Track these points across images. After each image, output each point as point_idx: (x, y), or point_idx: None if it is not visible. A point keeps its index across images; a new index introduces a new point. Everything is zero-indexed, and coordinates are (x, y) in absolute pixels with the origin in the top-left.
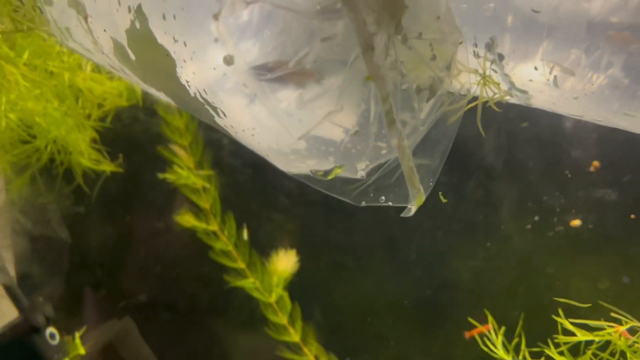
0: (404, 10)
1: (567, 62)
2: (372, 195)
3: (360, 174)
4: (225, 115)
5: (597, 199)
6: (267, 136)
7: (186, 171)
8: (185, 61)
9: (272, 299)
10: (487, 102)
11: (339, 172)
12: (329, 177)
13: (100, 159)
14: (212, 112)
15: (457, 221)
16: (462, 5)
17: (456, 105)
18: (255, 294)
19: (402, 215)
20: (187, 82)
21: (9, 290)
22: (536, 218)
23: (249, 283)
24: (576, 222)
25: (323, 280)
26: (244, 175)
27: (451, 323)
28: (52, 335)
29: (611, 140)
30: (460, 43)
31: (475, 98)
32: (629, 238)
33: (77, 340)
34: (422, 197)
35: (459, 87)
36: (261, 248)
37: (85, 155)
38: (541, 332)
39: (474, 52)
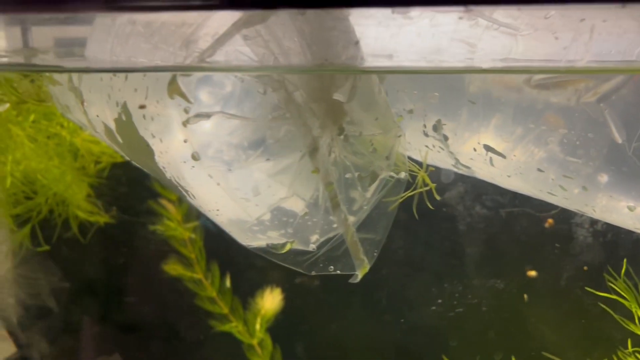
0: (343, 116)
1: (513, 137)
2: (321, 265)
3: (312, 247)
4: (194, 197)
5: (551, 252)
6: (229, 216)
7: (174, 223)
8: (162, 152)
9: (255, 341)
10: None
11: (290, 247)
12: (283, 251)
13: (94, 210)
14: (184, 193)
15: (423, 271)
16: (414, 92)
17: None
18: (239, 337)
19: (350, 281)
20: (164, 167)
21: (11, 333)
22: (495, 268)
23: (232, 327)
24: (532, 273)
25: (303, 322)
26: None
27: None
28: None
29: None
30: (400, 136)
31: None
32: (579, 286)
33: None
34: (366, 266)
35: (402, 173)
36: (246, 292)
37: (82, 207)
38: None
39: (424, 132)
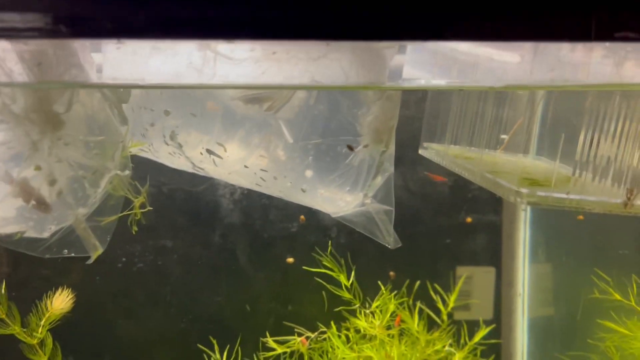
0: (62, 125)
1: (251, 146)
2: (55, 249)
3: (45, 235)
4: None
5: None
6: None
7: None
8: None
9: (35, 341)
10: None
11: (20, 236)
12: (15, 239)
13: None
14: None
15: (203, 266)
16: (152, 109)
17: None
18: (21, 338)
19: (87, 262)
20: None
21: None
22: (263, 259)
23: (12, 330)
24: (291, 260)
25: (91, 322)
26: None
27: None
28: None
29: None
30: (122, 142)
31: None
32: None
33: None
34: (99, 250)
35: (126, 171)
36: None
37: None
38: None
39: (164, 141)
